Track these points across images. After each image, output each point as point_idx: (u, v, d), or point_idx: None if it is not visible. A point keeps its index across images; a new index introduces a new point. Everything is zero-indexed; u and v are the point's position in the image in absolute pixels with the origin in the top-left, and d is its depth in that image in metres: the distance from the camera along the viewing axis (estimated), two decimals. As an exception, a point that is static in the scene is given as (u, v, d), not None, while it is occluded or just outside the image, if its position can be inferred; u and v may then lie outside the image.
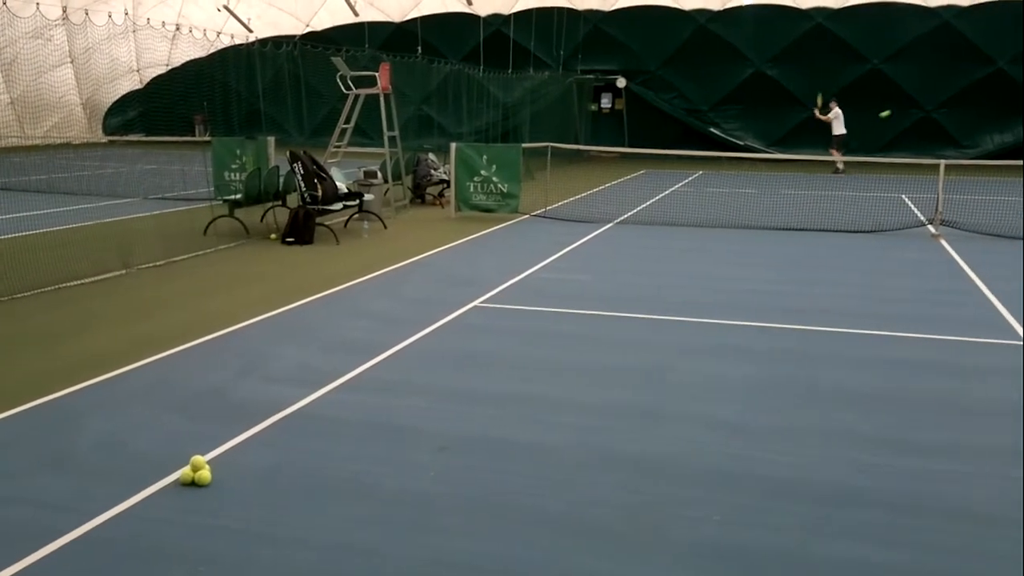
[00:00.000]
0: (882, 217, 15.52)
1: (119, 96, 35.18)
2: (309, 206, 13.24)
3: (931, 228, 14.51)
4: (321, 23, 35.78)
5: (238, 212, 13.74)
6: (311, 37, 34.37)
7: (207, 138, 19.26)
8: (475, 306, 9.32)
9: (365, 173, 15.77)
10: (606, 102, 33.62)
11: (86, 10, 23.26)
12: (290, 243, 13.05)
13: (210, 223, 13.57)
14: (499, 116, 29.30)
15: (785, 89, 30.47)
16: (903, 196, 19.45)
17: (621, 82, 32.43)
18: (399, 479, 5.09)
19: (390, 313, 9.03)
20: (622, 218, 16.05)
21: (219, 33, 30.17)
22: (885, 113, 26.33)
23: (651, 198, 19.34)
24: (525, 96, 28.91)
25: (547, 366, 7.31)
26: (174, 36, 29.78)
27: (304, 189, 13.19)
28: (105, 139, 33.29)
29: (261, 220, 14.20)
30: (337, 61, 16.52)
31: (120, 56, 31.49)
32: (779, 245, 13.43)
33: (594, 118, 33.13)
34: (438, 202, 18.18)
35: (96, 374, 6.85)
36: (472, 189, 16.11)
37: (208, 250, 12.45)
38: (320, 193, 13.19)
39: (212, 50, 28.96)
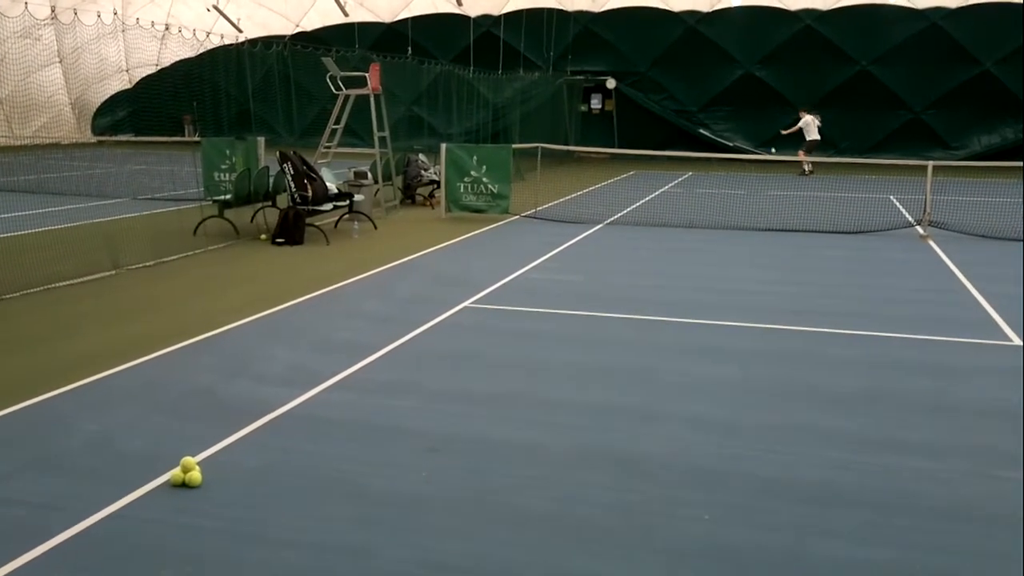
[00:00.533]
0: (870, 218, 15.58)
1: (108, 96, 35.07)
2: (299, 207, 13.23)
3: (919, 229, 14.58)
4: (311, 23, 35.74)
5: (228, 213, 13.71)
6: (301, 37, 34.31)
7: (196, 138, 19.24)
8: (466, 307, 9.33)
9: (355, 174, 15.76)
10: (596, 103, 33.67)
11: (75, 10, 23.21)
12: (280, 244, 13.04)
13: (200, 223, 13.54)
14: (489, 117, 29.32)
15: (774, 90, 30.59)
16: (891, 197, 19.54)
17: (611, 83, 32.49)
18: (389, 479, 5.10)
19: (381, 313, 9.04)
20: (612, 219, 16.08)
21: (208, 33, 30.03)
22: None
23: (641, 199, 19.38)
24: (515, 97, 28.94)
25: (537, 366, 7.32)
26: (163, 36, 29.65)
27: (294, 190, 13.18)
28: (94, 139, 33.19)
29: (251, 221, 14.18)
30: (327, 61, 16.51)
31: (109, 56, 31.41)
32: (767, 246, 13.48)
33: (584, 119, 33.18)
34: (428, 203, 18.18)
35: (86, 375, 6.84)
36: (462, 190, 16.12)
37: (198, 251, 12.43)
38: (310, 194, 13.18)
39: (201, 50, 28.83)
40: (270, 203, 14.49)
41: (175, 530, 4.49)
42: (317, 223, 13.61)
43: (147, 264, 11.36)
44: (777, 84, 30.55)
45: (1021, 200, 16.64)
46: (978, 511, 4.76)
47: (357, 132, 20.98)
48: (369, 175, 15.92)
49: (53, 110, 31.73)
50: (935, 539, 4.48)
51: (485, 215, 15.98)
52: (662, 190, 21.51)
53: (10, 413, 6.06)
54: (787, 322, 8.76)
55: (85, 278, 10.41)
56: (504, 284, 10.48)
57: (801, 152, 25.48)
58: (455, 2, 33.25)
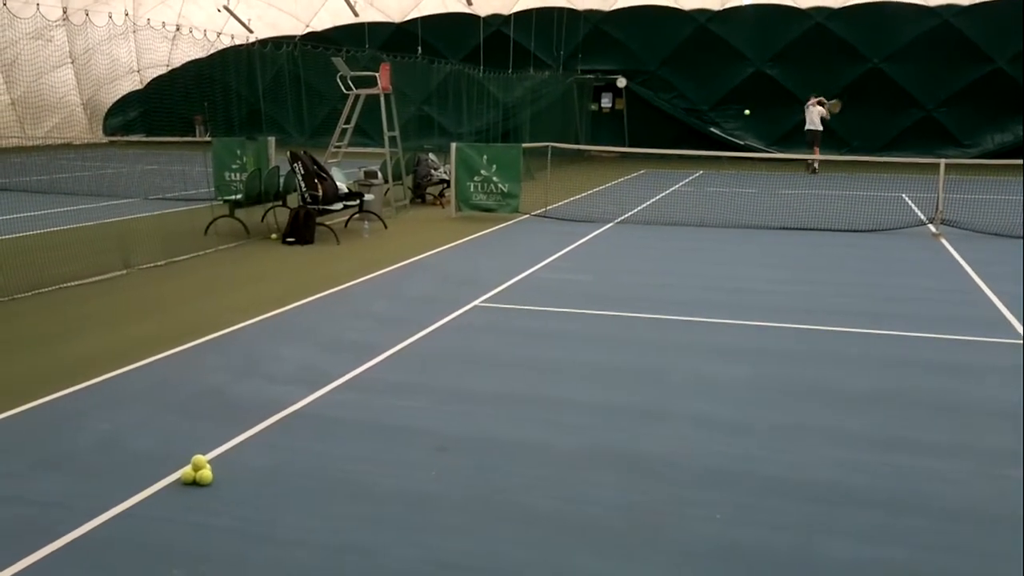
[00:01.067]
0: (882, 216, 15.51)
1: (119, 97, 35.22)
2: (309, 206, 13.25)
3: (932, 227, 14.51)
4: (321, 23, 35.81)
5: (238, 212, 13.75)
6: (311, 37, 34.40)
7: (207, 138, 19.28)
8: (475, 306, 9.33)
9: (365, 173, 15.78)
10: (606, 102, 33.64)
11: (86, 11, 23.28)
12: (290, 243, 13.06)
13: (211, 223, 13.58)
14: (499, 116, 29.32)
15: (785, 88, 30.49)
16: (903, 195, 19.45)
17: (621, 82, 32.46)
18: (398, 479, 5.09)
19: (390, 313, 9.04)
20: (622, 218, 16.05)
21: (219, 34, 30.14)
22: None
23: (651, 198, 19.35)
24: (525, 96, 28.93)
25: (547, 366, 7.31)
26: (174, 37, 29.79)
27: (304, 189, 13.20)
28: (106, 139, 33.33)
29: (262, 220, 14.21)
30: (337, 61, 16.53)
31: (120, 57, 31.53)
32: (779, 245, 13.44)
33: (594, 118, 33.15)
34: (438, 202, 18.19)
35: (97, 374, 6.86)
36: (472, 189, 16.12)
37: (208, 250, 12.46)
38: (320, 193, 13.20)
39: (212, 51, 28.94)
40: (280, 203, 14.52)
41: (185, 529, 4.50)
42: (327, 223, 13.63)
43: (158, 264, 11.40)
44: (788, 82, 30.45)
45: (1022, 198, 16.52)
46: (989, 511, 4.73)
47: (367, 132, 21.00)
48: (379, 174, 15.94)
49: (65, 111, 31.89)
50: (946, 539, 4.45)
51: (495, 214, 15.98)
52: (672, 189, 21.46)
53: (21, 412, 6.08)
54: (798, 321, 8.73)
55: (96, 278, 10.44)
56: (514, 283, 10.47)
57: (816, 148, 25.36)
58: (465, 1, 33.25)
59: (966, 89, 28.97)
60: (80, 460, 5.31)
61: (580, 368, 7.25)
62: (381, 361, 7.32)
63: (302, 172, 13.15)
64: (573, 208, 17.32)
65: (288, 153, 13.60)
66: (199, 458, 5.05)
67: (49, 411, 6.14)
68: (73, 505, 4.69)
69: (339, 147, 16.54)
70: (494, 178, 15.99)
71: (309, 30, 35.89)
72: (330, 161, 15.51)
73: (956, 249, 12.83)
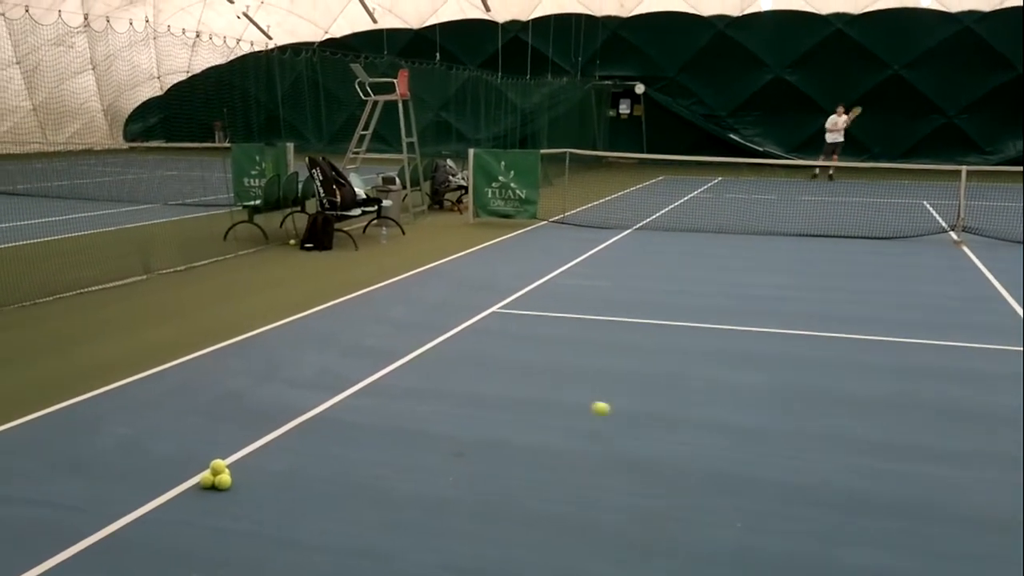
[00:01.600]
0: (903, 223, 15.42)
1: (140, 103, 35.47)
2: (328, 212, 13.29)
3: (953, 234, 14.40)
4: (340, 30, 35.96)
5: (257, 218, 13.82)
6: (330, 44, 34.54)
7: (227, 144, 19.38)
8: (493, 312, 9.32)
9: (384, 179, 15.81)
10: (624, 108, 33.59)
11: (107, 17, 23.47)
12: (309, 249, 13.10)
13: (230, 229, 13.65)
14: (517, 122, 29.31)
15: (804, 95, 30.37)
16: (924, 202, 19.33)
17: (639, 88, 32.41)
18: (416, 484, 5.09)
19: (408, 318, 9.05)
20: (640, 224, 16.02)
21: (239, 40, 30.28)
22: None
23: (670, 204, 19.30)
24: (543, 102, 28.92)
25: (564, 372, 7.30)
26: (194, 43, 29.96)
27: (323, 195, 13.24)
28: (126, 145, 33.57)
29: (280, 226, 14.27)
30: (355, 68, 16.58)
31: (141, 63, 31.78)
32: (798, 252, 13.37)
33: (612, 124, 33.11)
34: (456, 208, 18.21)
35: (117, 378, 6.90)
36: (490, 195, 16.13)
37: (228, 256, 12.52)
38: (339, 199, 13.24)
39: (232, 57, 29.12)
40: (299, 208, 14.58)
41: (204, 533, 4.51)
42: (346, 228, 13.66)
43: (178, 269, 11.45)
44: (808, 88, 30.32)
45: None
46: (1007, 520, 4.68)
47: (385, 138, 21.04)
48: (397, 180, 15.97)
49: (86, 117, 32.15)
50: (964, 547, 4.41)
51: (513, 220, 15.97)
52: (691, 195, 21.40)
53: (42, 416, 6.12)
54: (817, 328, 8.68)
55: (117, 283, 10.51)
56: (531, 289, 10.46)
57: (834, 156, 25.27)
58: (483, 8, 33.31)
59: (988, 95, 28.75)
60: (100, 464, 5.34)
61: (597, 374, 7.23)
62: (399, 366, 7.33)
63: (320, 178, 13.19)
64: (591, 214, 17.30)
65: (307, 159, 13.65)
66: (218, 463, 5.07)
67: (70, 415, 6.17)
68: (93, 509, 4.72)
69: (357, 153, 16.59)
70: (512, 184, 16.00)
71: (328, 36, 36.05)
72: (348, 167, 15.56)
73: (977, 256, 12.73)
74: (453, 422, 6.08)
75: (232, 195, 16.32)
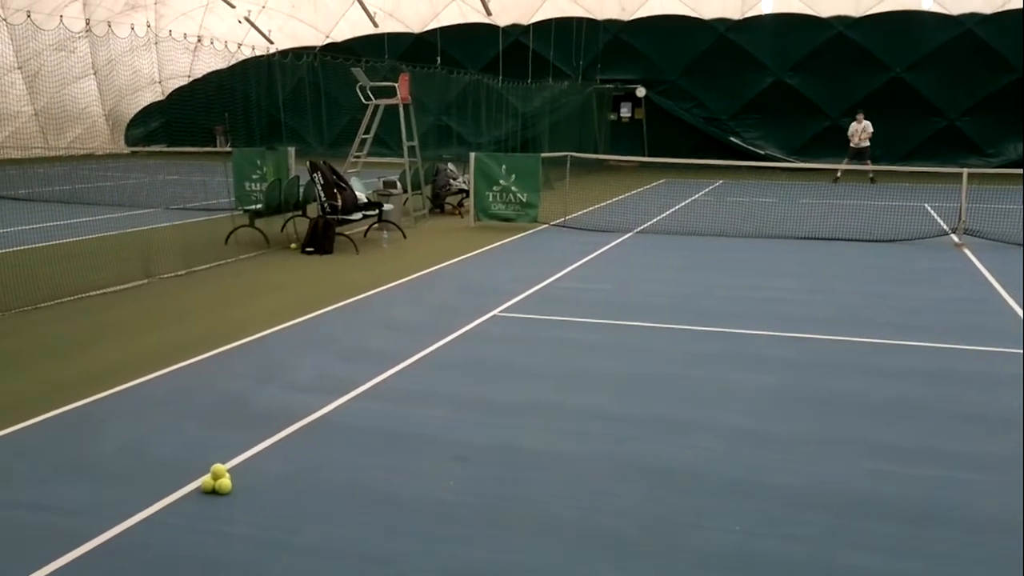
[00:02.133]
0: (905, 226, 15.40)
1: (141, 107, 35.51)
2: (329, 216, 13.29)
3: (954, 237, 14.39)
4: (341, 34, 35.98)
5: (259, 222, 13.82)
6: (331, 48, 34.57)
7: (228, 149, 19.40)
8: (494, 315, 9.31)
9: (384, 183, 15.81)
10: (625, 111, 33.59)
11: (109, 23, 23.53)
12: (310, 253, 13.10)
13: (231, 233, 13.65)
14: (518, 126, 29.33)
15: (806, 98, 30.36)
16: (926, 205, 19.31)
17: (640, 91, 32.41)
18: (417, 488, 5.08)
19: (409, 322, 9.04)
20: (642, 227, 16.02)
21: (240, 45, 30.39)
22: None
23: (671, 207, 19.29)
24: (544, 106, 28.94)
25: (566, 375, 7.29)
26: (195, 48, 30.03)
27: (324, 199, 13.24)
28: (127, 150, 33.63)
29: (281, 230, 14.27)
30: (357, 72, 16.60)
31: (142, 68, 31.84)
32: (800, 254, 13.36)
33: (613, 127, 33.10)
34: (457, 212, 18.20)
35: (118, 382, 6.89)
36: (491, 199, 16.13)
37: (229, 260, 12.52)
38: (340, 203, 13.23)
39: (233, 62, 29.21)
40: (300, 212, 14.58)
41: (205, 537, 4.50)
42: (347, 232, 13.66)
43: (179, 273, 11.45)
44: (809, 91, 30.31)
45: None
46: (1010, 522, 4.66)
47: (386, 142, 21.07)
48: (398, 184, 15.98)
49: (87, 121, 32.19)
50: (970, 551, 4.40)
51: (514, 224, 15.97)
52: (693, 198, 21.40)
53: (44, 420, 6.11)
54: (821, 331, 8.66)
55: (118, 287, 10.50)
56: (533, 293, 10.46)
57: (856, 161, 25.18)
58: (484, 12, 33.34)
59: (989, 98, 28.72)
60: (102, 468, 5.33)
61: (600, 378, 7.22)
62: (401, 370, 7.32)
63: (321, 182, 13.19)
64: (593, 218, 17.30)
65: (308, 163, 13.66)
66: (218, 467, 5.05)
67: (71, 419, 6.17)
68: (94, 512, 4.71)
69: (358, 157, 16.59)
70: (513, 188, 16.00)
71: (329, 41, 36.07)
72: (349, 171, 15.57)
73: (979, 259, 12.72)
74: (455, 426, 6.07)
75: (233, 199, 16.32)
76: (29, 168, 25.09)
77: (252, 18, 35.42)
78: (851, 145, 25.73)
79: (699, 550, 4.40)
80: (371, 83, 16.59)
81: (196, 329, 8.72)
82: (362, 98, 16.58)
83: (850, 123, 26.20)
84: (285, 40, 36.16)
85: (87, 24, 26.32)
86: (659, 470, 5.35)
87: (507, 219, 16.07)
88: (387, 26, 35.21)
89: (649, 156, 28.13)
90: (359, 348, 8.05)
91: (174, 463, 5.36)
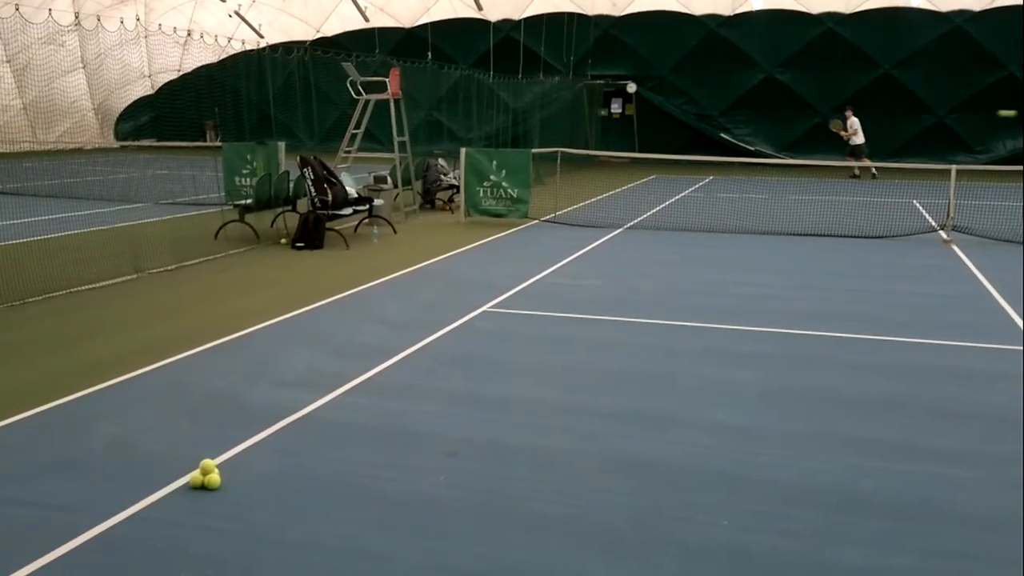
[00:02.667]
0: (893, 222, 15.46)
1: (131, 101, 35.37)
2: (319, 211, 13.27)
3: (942, 233, 14.45)
4: (332, 29, 35.90)
5: (248, 217, 13.79)
6: (321, 43, 34.47)
7: (218, 143, 19.34)
8: (485, 311, 9.32)
9: (375, 178, 15.79)
10: (616, 107, 33.60)
11: (98, 16, 23.39)
12: (300, 248, 13.08)
13: (221, 228, 13.62)
14: (509, 121, 29.29)
15: (796, 94, 30.44)
16: (914, 201, 19.39)
17: (631, 87, 32.43)
18: (408, 483, 5.09)
19: (400, 317, 9.05)
20: (632, 223, 16.04)
21: (230, 39, 30.22)
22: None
23: (661, 203, 19.32)
24: (535, 101, 28.91)
25: (556, 371, 7.30)
26: (185, 42, 29.90)
27: (314, 194, 13.22)
28: (117, 144, 33.46)
29: (271, 225, 14.25)
30: (347, 67, 16.56)
31: (132, 62, 31.67)
32: (789, 250, 13.40)
33: (604, 123, 33.12)
34: (448, 207, 18.20)
35: (107, 378, 6.88)
36: (482, 194, 16.13)
37: (219, 255, 12.50)
38: (330, 198, 13.22)
39: (223, 56, 29.04)
40: (290, 208, 14.56)
41: (194, 532, 4.50)
42: (337, 227, 13.64)
43: (168, 268, 11.43)
44: (799, 88, 30.39)
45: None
46: (1001, 518, 4.70)
47: (377, 137, 21.00)
48: (389, 180, 15.95)
49: (76, 115, 32.04)
50: (957, 546, 4.43)
51: (504, 219, 15.98)
52: (683, 194, 21.43)
53: (32, 415, 6.10)
54: (809, 327, 8.70)
55: (107, 282, 10.48)
56: (523, 288, 10.47)
57: (849, 158, 25.38)
58: (475, 7, 33.29)
59: (978, 95, 28.83)
60: (90, 463, 5.32)
61: (589, 373, 7.24)
62: (391, 365, 7.33)
63: (312, 177, 13.17)
64: (583, 213, 17.31)
65: (298, 158, 13.63)
66: (207, 462, 5.05)
67: (60, 414, 6.16)
68: (83, 508, 4.70)
69: (349, 152, 16.57)
70: (504, 183, 16.00)
71: (319, 35, 35.98)
72: (340, 166, 15.54)
73: (967, 255, 12.78)
74: (445, 421, 6.08)
75: (223, 194, 16.29)
76: (17, 162, 24.97)
77: (242, 12, 35.28)
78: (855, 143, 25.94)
79: (687, 544, 4.42)
80: (361, 78, 16.56)
81: (186, 324, 8.70)
82: (352, 93, 16.56)
83: (839, 120, 26.35)
84: (275, 34, 36.04)
85: (76, 18, 26.18)
86: (648, 465, 5.37)
87: (498, 215, 16.07)
88: (378, 21, 35.14)
89: (639, 152, 28.13)
90: (349, 343, 8.05)
91: (163, 459, 5.36)
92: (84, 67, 30.75)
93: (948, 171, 15.03)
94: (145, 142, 30.99)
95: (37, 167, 24.54)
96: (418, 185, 18.07)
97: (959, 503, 4.89)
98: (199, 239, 13.29)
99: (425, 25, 34.43)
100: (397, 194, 16.40)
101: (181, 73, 33.65)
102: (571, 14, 32.32)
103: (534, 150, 17.90)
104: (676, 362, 7.59)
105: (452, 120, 30.45)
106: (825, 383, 7.01)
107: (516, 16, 33.24)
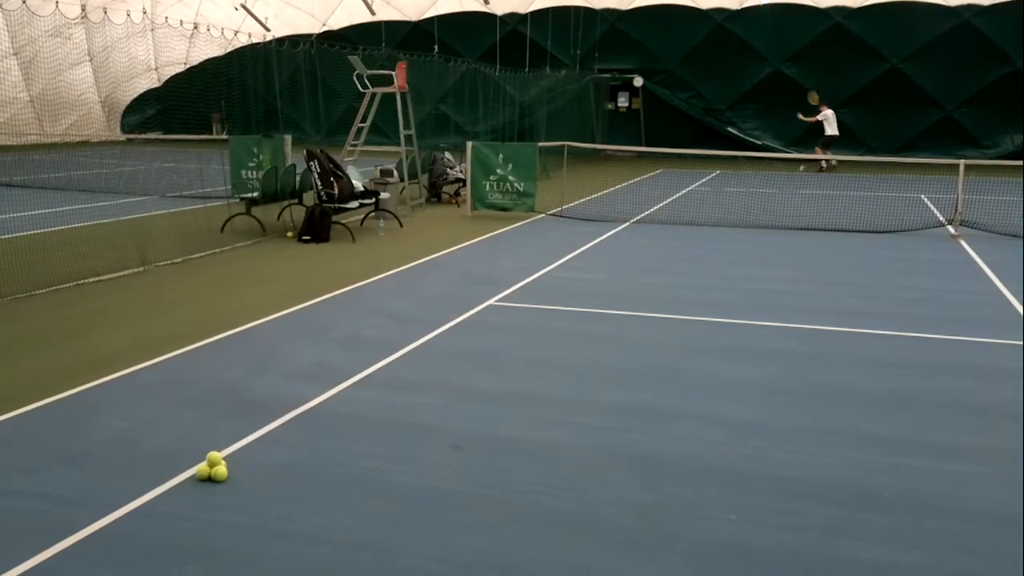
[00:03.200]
0: (901, 217, 15.41)
1: (137, 94, 35.36)
2: (325, 204, 13.26)
3: (950, 228, 14.40)
4: (338, 22, 35.86)
5: (255, 210, 13.79)
6: (328, 36, 34.44)
7: (224, 136, 19.35)
8: (490, 305, 9.31)
9: (381, 171, 15.78)
10: (623, 101, 33.54)
11: (105, 9, 23.41)
12: (306, 241, 13.08)
13: (227, 221, 13.62)
14: (515, 115, 29.28)
15: (803, 88, 30.29)
16: (922, 196, 19.32)
17: (638, 81, 32.36)
18: (413, 476, 5.08)
19: (406, 311, 9.04)
20: (638, 217, 16.01)
21: (236, 32, 30.21)
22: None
23: (668, 197, 19.28)
24: (541, 95, 28.88)
25: (562, 365, 7.29)
26: (192, 35, 29.88)
27: (320, 187, 13.21)
28: (123, 137, 33.50)
29: (278, 218, 14.24)
30: (354, 60, 16.54)
31: (138, 55, 31.70)
32: (796, 245, 13.36)
33: (611, 117, 33.05)
34: (454, 201, 18.18)
35: (113, 370, 6.88)
36: (488, 188, 16.10)
37: (225, 248, 12.49)
38: (336, 191, 13.21)
39: (230, 49, 29.07)
40: (297, 201, 14.55)
41: (200, 525, 4.50)
42: (343, 221, 13.64)
43: (175, 261, 11.43)
44: (806, 82, 30.23)
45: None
46: (1010, 514, 4.68)
47: (383, 130, 21.01)
48: (395, 173, 15.94)
49: (83, 108, 32.05)
50: (965, 542, 4.41)
51: (511, 213, 15.95)
52: (689, 188, 21.39)
53: (38, 408, 6.10)
54: (816, 322, 8.67)
55: (113, 275, 10.48)
56: (530, 282, 10.45)
57: (818, 148, 25.47)
58: (482, 0, 33.24)
59: (986, 89, 28.70)
60: (96, 456, 5.33)
61: (596, 368, 7.23)
62: (396, 359, 7.32)
63: (318, 170, 13.17)
64: (589, 207, 17.28)
65: (304, 151, 13.62)
66: (214, 455, 5.05)
67: (66, 407, 6.16)
68: (89, 501, 4.70)
69: (355, 145, 16.56)
70: (510, 177, 15.97)
71: (326, 29, 35.94)
72: (346, 159, 15.53)
73: (975, 250, 12.73)
74: (451, 415, 6.07)
75: (229, 187, 16.29)
76: (24, 155, 24.98)
77: (249, 5, 35.26)
78: (828, 134, 25.96)
79: (694, 540, 4.41)
80: (368, 71, 16.55)
81: (192, 317, 8.70)
82: (359, 86, 16.54)
83: (820, 111, 26.41)
84: (282, 28, 36.00)
85: (83, 10, 26.19)
86: (655, 460, 5.35)
87: (504, 208, 16.05)
88: (384, 14, 35.09)
89: (646, 146, 28.10)
90: (355, 337, 8.05)
91: (169, 451, 5.36)
92: (91, 60, 30.77)
93: (956, 166, 14.97)
94: (152, 135, 31.04)
95: (44, 159, 24.55)
96: (424, 179, 18.06)
97: (970, 499, 4.86)
98: (205, 232, 13.29)
99: (432, 19, 34.38)
100: (403, 187, 16.39)
101: (188, 66, 33.65)
102: (578, 8, 32.24)
103: (541, 144, 17.86)
104: (684, 357, 7.57)
105: (458, 114, 30.45)
106: (834, 378, 6.99)
107: (523, 10, 33.17)
